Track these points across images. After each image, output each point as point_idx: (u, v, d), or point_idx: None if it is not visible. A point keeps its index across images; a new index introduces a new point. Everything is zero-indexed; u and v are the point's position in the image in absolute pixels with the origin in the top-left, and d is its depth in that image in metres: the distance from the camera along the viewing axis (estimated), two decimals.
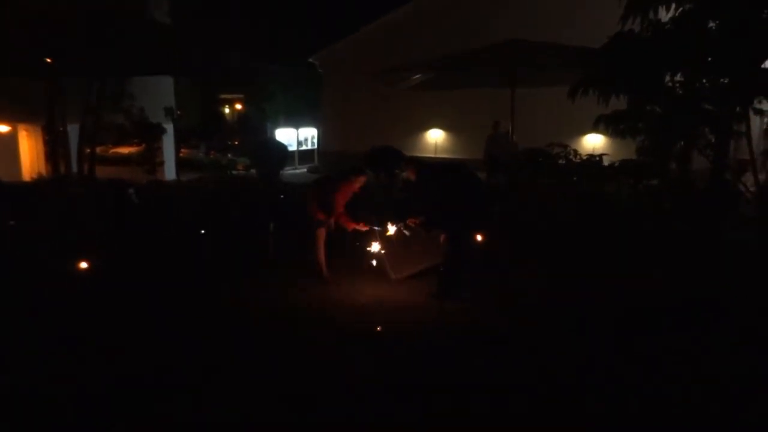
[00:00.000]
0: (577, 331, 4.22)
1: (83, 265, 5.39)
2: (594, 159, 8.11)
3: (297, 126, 18.54)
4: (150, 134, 11.39)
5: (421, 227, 5.18)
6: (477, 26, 13.47)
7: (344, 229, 5.39)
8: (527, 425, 2.95)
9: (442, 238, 5.07)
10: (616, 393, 3.29)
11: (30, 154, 12.03)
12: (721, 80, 5.80)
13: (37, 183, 9.91)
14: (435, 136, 15.40)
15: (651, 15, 5.74)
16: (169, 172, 12.34)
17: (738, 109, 5.91)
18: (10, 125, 11.78)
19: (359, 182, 5.37)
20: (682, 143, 6.52)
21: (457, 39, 11.86)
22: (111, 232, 6.84)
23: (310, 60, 16.71)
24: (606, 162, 8.03)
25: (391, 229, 5.42)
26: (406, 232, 5.23)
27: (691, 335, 4.05)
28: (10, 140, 11.88)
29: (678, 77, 6.09)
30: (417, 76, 8.32)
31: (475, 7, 14.22)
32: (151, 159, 11.30)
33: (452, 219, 4.87)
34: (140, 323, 4.29)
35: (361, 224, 5.40)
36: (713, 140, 6.20)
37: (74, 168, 10.15)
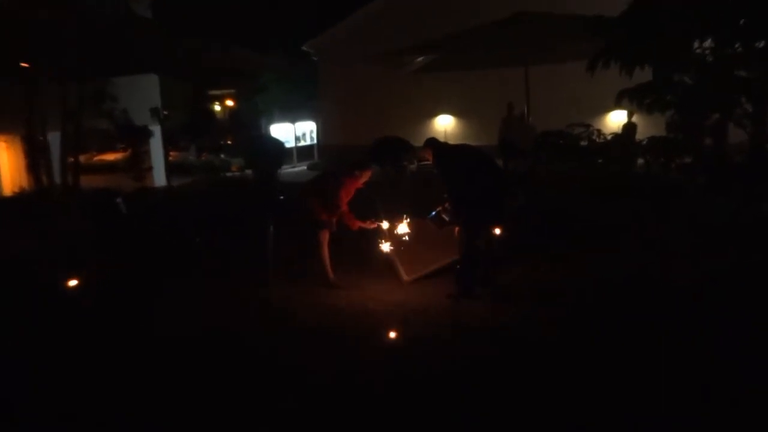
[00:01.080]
0: (601, 332, 4.20)
1: (72, 282, 5.45)
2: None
3: (294, 120, 18.55)
4: (136, 138, 11.45)
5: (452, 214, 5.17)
6: (483, 0, 13.40)
7: (349, 228, 5.40)
8: None
9: (456, 231, 5.08)
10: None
11: (10, 167, 12.16)
12: (756, 44, 5.73)
13: (19, 197, 10.03)
14: (444, 123, 15.36)
15: None
16: (159, 178, 12.39)
17: None
18: None
19: (365, 177, 5.38)
20: (716, 115, 6.45)
21: (462, 15, 11.81)
22: (99, 244, 6.91)
23: (304, 48, 16.71)
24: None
25: (402, 228, 5.42)
26: (444, 216, 5.21)
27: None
28: None
29: (708, 43, 6.02)
30: (420, 58, 8.31)
31: None
32: (138, 165, 11.36)
33: (468, 208, 4.88)
34: (132, 343, 4.34)
35: (368, 222, 5.41)
36: (750, 110, 6.13)
37: (57, 179, 10.25)
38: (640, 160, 8.42)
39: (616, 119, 12.38)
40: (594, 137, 8.44)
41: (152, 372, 3.78)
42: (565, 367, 3.66)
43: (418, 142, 5.74)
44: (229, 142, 18.50)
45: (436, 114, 15.38)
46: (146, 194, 10.29)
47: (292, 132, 18.32)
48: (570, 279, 5.36)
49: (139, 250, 6.72)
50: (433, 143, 5.20)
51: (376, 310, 4.82)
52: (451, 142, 5.93)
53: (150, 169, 11.89)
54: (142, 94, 12.66)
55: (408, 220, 5.50)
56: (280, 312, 4.85)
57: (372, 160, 5.58)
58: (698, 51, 6.06)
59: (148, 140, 11.80)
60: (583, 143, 8.45)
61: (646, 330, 4.09)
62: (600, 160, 8.18)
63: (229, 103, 22.87)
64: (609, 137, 8.64)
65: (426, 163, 5.31)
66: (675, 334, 3.98)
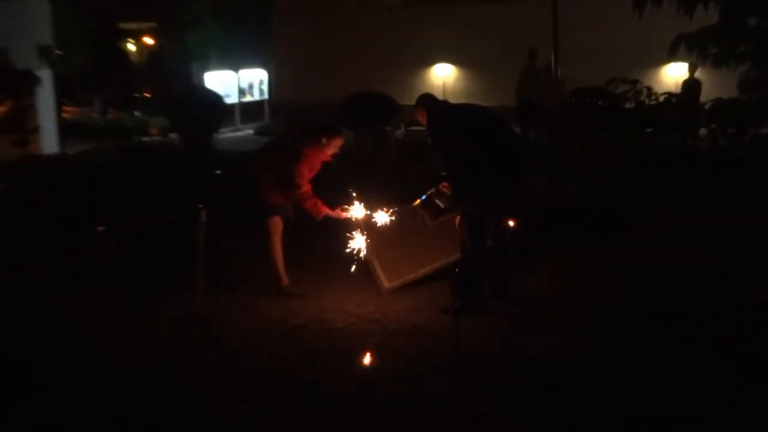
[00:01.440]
0: (653, 360, 4.24)
1: None
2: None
3: (237, 67, 18.32)
4: (17, 86, 11.23)
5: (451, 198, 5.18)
6: None
7: (312, 217, 5.37)
8: None
9: (457, 221, 5.08)
10: None
11: None
12: None
13: None
14: (443, 75, 15.36)
15: None
16: (49, 142, 12.19)
17: None
18: None
19: (333, 146, 5.34)
20: None
21: None
22: None
23: None
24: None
25: (381, 217, 5.40)
26: (439, 203, 5.23)
27: None
28: None
29: None
30: None
31: None
32: (20, 123, 11.16)
33: (473, 190, 4.87)
34: None
35: (338, 209, 5.38)
36: None
37: None
38: (703, 130, 8.52)
39: (673, 74, 12.50)
40: (643, 98, 8.50)
41: None
42: (611, 415, 3.65)
43: (408, 100, 5.70)
44: (146, 95, 18.27)
45: (431, 63, 15.35)
46: (30, 164, 10.12)
47: (235, 83, 18.08)
48: (608, 287, 5.41)
49: (15, 242, 6.61)
50: (428, 101, 5.18)
51: (346, 330, 4.78)
52: (452, 100, 5.91)
53: (36, 129, 11.67)
54: (26, 27, 12.38)
55: (391, 206, 5.48)
56: (210, 333, 4.77)
57: (344, 123, 5.53)
58: None
59: (34, 90, 11.58)
60: (629, 105, 8.52)
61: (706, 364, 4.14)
62: (650, 129, 8.24)
63: (149, 41, 22.55)
64: (662, 98, 8.72)
65: (417, 128, 5.30)
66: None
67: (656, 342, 4.44)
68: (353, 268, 5.44)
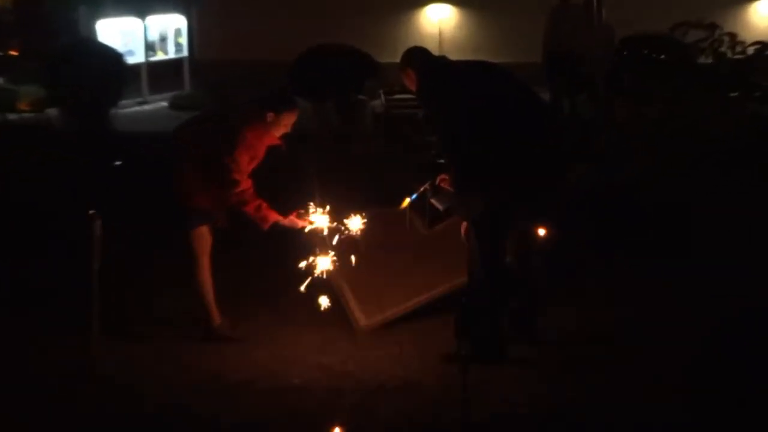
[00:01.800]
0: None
1: None
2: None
3: (143, 13, 18.30)
4: None
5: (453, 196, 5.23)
6: None
7: (258, 225, 5.37)
8: None
9: (463, 229, 5.12)
10: None
11: None
12: None
13: None
14: (438, 18, 15.45)
15: None
16: None
17: None
18: None
19: (284, 125, 5.36)
20: None
21: None
22: None
23: None
24: None
25: (355, 225, 5.41)
26: (437, 204, 5.30)
27: None
28: None
29: None
30: None
31: None
32: None
33: (483, 183, 4.90)
34: None
35: (292, 215, 5.39)
36: None
37: None
38: None
39: (766, 14, 12.63)
40: (724, 49, 8.59)
41: None
42: None
43: (389, 57, 5.72)
44: (13, 54, 18.19)
45: (422, 3, 15.43)
46: None
47: (141, 35, 18.06)
48: (667, 319, 5.47)
49: None
50: (418, 58, 5.21)
51: (307, 389, 4.78)
52: (452, 55, 5.93)
53: None
54: None
55: (369, 209, 5.49)
56: (110, 393, 4.74)
57: (299, 91, 5.55)
58: None
59: None
60: (704, 59, 8.59)
61: None
62: (734, 93, 8.32)
63: None
64: (752, 49, 8.81)
65: (404, 95, 5.31)
66: None
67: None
68: (316, 300, 5.46)
